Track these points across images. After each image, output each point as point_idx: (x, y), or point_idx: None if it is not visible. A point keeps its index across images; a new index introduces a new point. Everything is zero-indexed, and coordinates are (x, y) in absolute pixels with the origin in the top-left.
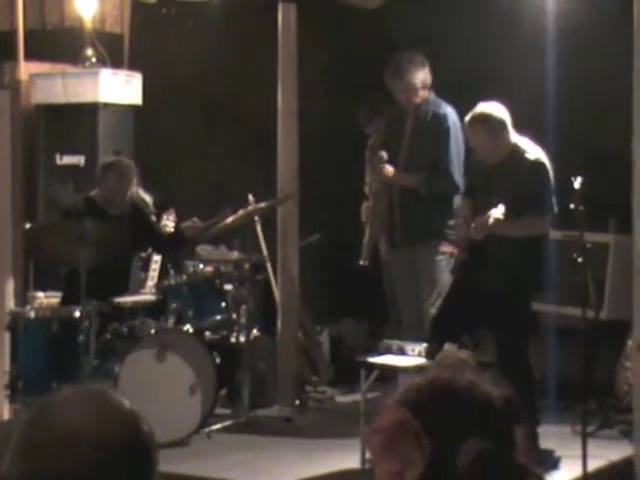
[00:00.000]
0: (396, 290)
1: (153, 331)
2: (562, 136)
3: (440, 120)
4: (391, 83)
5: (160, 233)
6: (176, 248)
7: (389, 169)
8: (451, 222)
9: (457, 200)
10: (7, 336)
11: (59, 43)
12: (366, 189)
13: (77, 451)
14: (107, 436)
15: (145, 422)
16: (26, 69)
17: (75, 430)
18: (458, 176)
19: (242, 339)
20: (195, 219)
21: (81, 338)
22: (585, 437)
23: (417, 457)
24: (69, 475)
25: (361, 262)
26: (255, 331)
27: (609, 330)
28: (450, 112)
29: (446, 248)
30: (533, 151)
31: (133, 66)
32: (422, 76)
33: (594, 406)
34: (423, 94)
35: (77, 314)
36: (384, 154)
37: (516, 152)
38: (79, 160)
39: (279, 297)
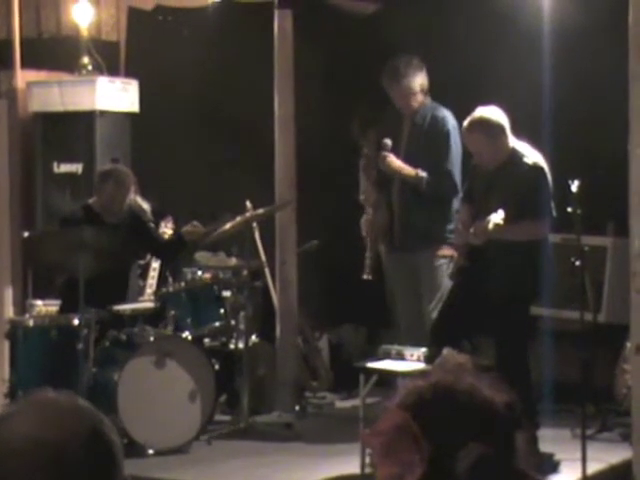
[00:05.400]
0: (395, 295)
1: (152, 338)
2: (560, 140)
3: (439, 124)
4: (389, 87)
5: (159, 240)
6: (176, 254)
7: (391, 158)
8: (451, 226)
9: (456, 203)
10: (6, 345)
11: (56, 51)
12: (361, 197)
13: (38, 461)
14: (65, 439)
15: (101, 416)
16: (23, 77)
17: (32, 440)
18: (458, 178)
19: (241, 345)
20: (195, 222)
21: (80, 346)
22: (584, 440)
23: (416, 460)
24: None
25: (364, 276)
26: (254, 337)
27: (607, 333)
28: (448, 115)
29: (447, 252)
30: (531, 155)
31: (130, 74)
32: (420, 80)
33: (593, 409)
34: (421, 99)
35: (76, 322)
36: (388, 142)
37: (514, 157)
38: (76, 168)
39: (278, 303)
